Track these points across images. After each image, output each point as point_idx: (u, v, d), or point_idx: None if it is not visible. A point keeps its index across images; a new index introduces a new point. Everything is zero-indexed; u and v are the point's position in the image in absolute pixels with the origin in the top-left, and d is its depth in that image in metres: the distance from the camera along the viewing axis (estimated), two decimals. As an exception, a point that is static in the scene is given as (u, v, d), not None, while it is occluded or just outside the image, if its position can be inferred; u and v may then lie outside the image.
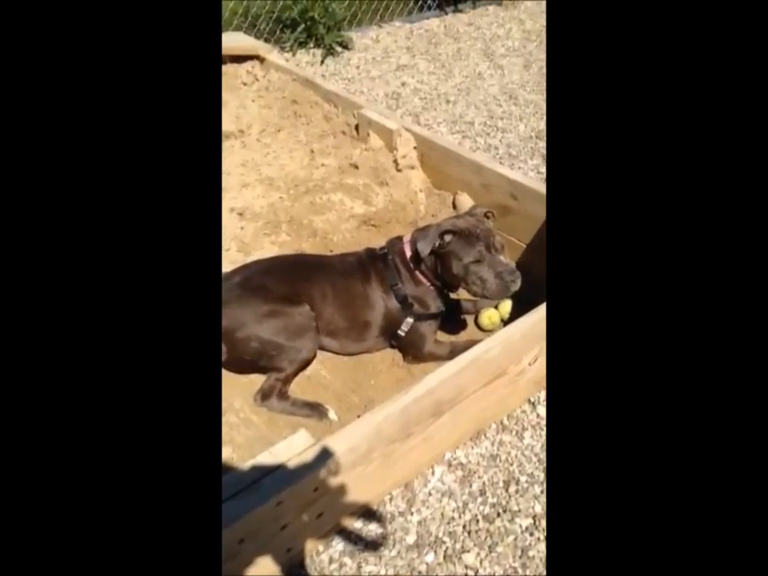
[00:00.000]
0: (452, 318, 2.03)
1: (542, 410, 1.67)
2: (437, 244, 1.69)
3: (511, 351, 1.50)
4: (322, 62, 4.09)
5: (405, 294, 1.79)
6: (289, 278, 1.75)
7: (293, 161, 2.76)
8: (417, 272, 1.79)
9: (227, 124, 3.01)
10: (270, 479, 1.15)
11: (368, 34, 4.57)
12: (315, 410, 1.64)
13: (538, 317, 1.58)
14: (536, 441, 1.59)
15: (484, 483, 1.49)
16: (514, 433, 1.61)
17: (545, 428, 1.62)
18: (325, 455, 1.22)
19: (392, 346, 1.91)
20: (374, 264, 1.82)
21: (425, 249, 1.68)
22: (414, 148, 2.52)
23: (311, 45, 4.22)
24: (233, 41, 3.45)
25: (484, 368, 1.45)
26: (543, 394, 1.71)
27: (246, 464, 1.19)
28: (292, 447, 1.23)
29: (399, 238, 1.86)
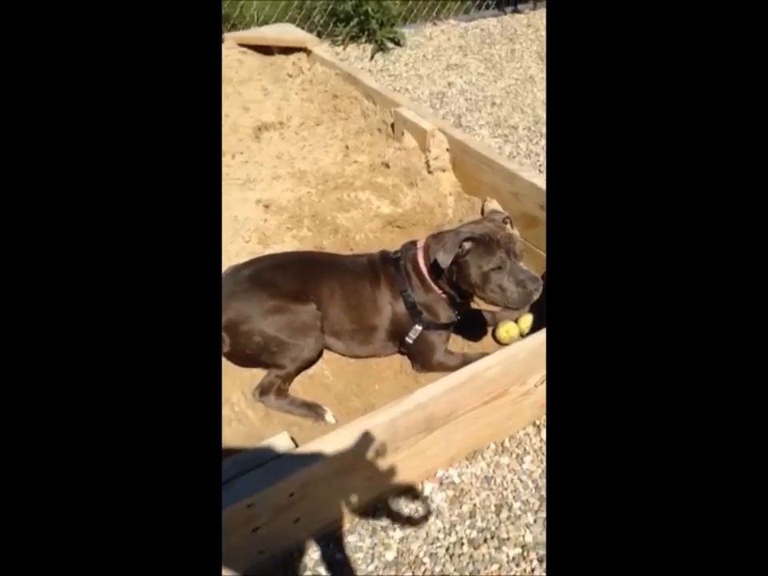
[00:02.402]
0: (469, 328, 1.98)
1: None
2: (456, 252, 1.63)
3: (514, 371, 1.44)
4: (372, 58, 4.06)
5: (414, 300, 1.74)
6: (298, 275, 1.73)
7: (327, 155, 2.75)
8: (429, 280, 1.73)
9: (268, 115, 3.02)
10: (243, 480, 1.13)
11: (422, 32, 4.51)
12: (312, 410, 1.62)
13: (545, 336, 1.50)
14: (536, 466, 1.52)
15: (475, 505, 1.43)
16: (513, 456, 1.54)
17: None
18: (305, 461, 1.19)
19: (401, 353, 1.87)
20: (385, 268, 1.78)
21: (446, 260, 1.60)
22: (447, 150, 2.46)
23: (363, 39, 4.20)
24: (282, 32, 3.47)
25: (482, 386, 1.40)
26: (550, 418, 1.63)
27: (224, 462, 1.17)
28: (272, 449, 1.20)
29: (413, 243, 1.81)
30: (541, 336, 1.48)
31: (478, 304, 1.93)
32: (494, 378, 1.41)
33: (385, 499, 1.42)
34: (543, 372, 1.51)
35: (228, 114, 2.99)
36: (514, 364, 1.43)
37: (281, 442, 1.22)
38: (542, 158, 2.96)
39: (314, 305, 1.69)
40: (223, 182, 2.45)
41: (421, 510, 1.41)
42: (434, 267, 1.69)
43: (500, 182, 2.23)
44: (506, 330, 1.95)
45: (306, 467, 1.17)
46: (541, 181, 2.08)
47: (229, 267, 1.78)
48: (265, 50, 3.45)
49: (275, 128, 2.95)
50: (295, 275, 1.72)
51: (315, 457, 1.19)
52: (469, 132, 3.24)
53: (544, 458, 1.54)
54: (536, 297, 1.60)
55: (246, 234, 2.12)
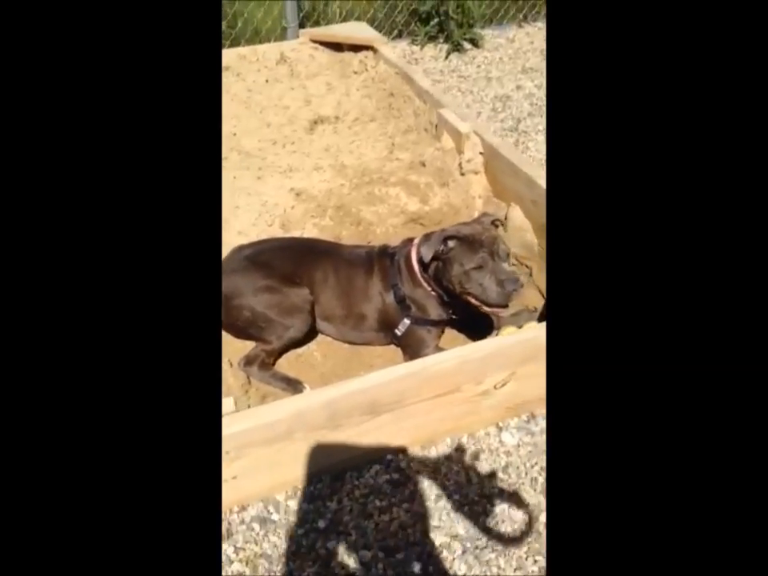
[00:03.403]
0: (472, 330, 2.02)
1: (508, 437, 1.61)
2: (440, 249, 1.70)
3: (466, 370, 1.48)
4: (446, 58, 4.11)
5: (403, 294, 1.82)
6: (295, 259, 1.85)
7: (373, 151, 2.85)
8: (419, 275, 1.80)
9: (327, 109, 3.18)
10: (182, 432, 1.27)
11: (505, 33, 4.48)
12: (292, 385, 1.74)
13: (508, 341, 1.54)
14: (487, 465, 1.55)
15: (415, 492, 1.49)
16: (468, 452, 1.58)
17: (502, 455, 1.58)
18: (241, 424, 1.31)
19: (396, 345, 1.95)
20: (381, 260, 1.87)
21: (427, 253, 1.70)
22: (481, 153, 2.49)
23: (441, 40, 4.25)
24: (354, 30, 3.61)
25: (430, 380, 1.45)
26: (515, 422, 1.65)
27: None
28: (217, 409, 1.34)
29: (411, 240, 1.88)
30: (497, 341, 1.52)
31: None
32: (444, 373, 1.46)
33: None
34: (502, 375, 1.54)
35: (289, 106, 3.18)
36: (467, 363, 1.48)
37: (225, 405, 1.35)
38: (591, 168, 2.90)
39: (306, 289, 1.82)
40: (265, 170, 2.63)
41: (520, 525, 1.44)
42: (422, 263, 1.76)
43: (522, 188, 2.23)
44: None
45: (241, 430, 1.30)
46: (557, 189, 2.07)
47: (234, 247, 1.94)
48: (336, 46, 3.61)
49: (330, 122, 3.09)
50: (292, 259, 1.85)
51: (250, 422, 1.31)
52: (524, 136, 3.23)
53: (497, 458, 1.57)
54: (515, 297, 1.66)
55: (269, 218, 2.27)
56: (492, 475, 1.53)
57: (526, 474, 1.53)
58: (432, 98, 2.86)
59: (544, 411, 1.67)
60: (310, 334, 1.89)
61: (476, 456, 1.57)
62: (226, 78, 3.26)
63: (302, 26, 4.06)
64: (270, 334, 1.77)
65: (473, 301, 1.71)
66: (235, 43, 3.95)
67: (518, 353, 1.51)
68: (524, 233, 2.25)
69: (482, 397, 1.56)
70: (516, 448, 1.59)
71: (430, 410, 1.51)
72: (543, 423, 1.65)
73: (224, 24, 3.92)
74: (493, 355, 1.49)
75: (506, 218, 2.37)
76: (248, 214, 2.28)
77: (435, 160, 2.61)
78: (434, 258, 1.72)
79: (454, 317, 1.91)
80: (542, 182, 2.11)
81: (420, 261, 1.77)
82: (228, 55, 3.39)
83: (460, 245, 1.68)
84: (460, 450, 1.59)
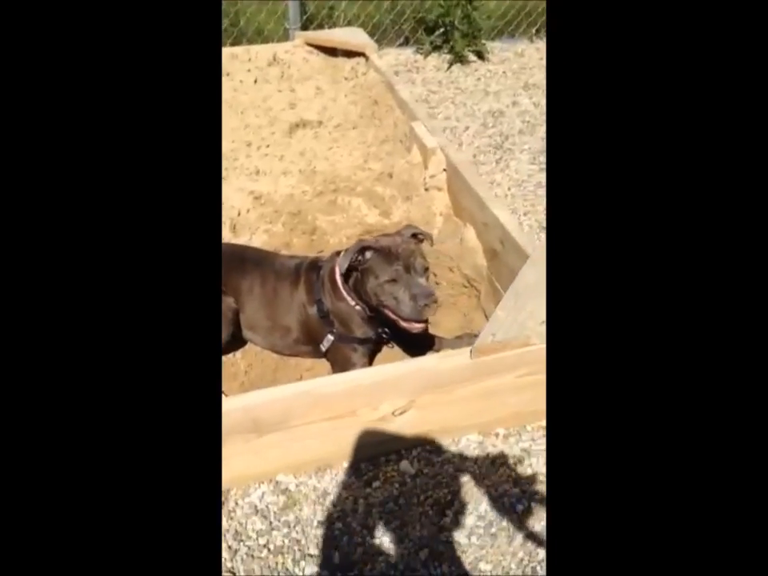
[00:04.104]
0: (413, 349, 1.98)
1: (405, 465, 1.57)
2: (357, 259, 1.67)
3: (359, 394, 1.44)
4: (448, 68, 4.06)
5: (327, 308, 1.79)
6: (224, 267, 1.83)
7: (348, 159, 2.83)
8: (341, 288, 1.77)
9: (311, 113, 3.16)
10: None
11: (515, 47, 4.41)
12: (203, 393, 1.72)
13: (405, 368, 1.50)
14: (379, 493, 1.51)
15: (298, 518, 1.46)
16: (363, 478, 1.54)
17: (395, 483, 1.53)
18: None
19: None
20: (308, 273, 1.84)
21: (343, 263, 1.67)
22: (444, 170, 2.44)
23: (445, 50, 4.20)
24: (349, 35, 3.59)
25: (319, 402, 1.42)
26: (417, 451, 1.60)
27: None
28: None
29: (339, 253, 1.85)
30: (392, 367, 1.49)
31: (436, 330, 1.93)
32: (333, 396, 1.42)
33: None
34: (400, 402, 1.49)
35: (272, 108, 3.17)
36: (361, 387, 1.44)
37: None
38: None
39: (230, 297, 1.80)
40: (231, 171, 2.63)
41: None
42: (343, 275, 1.73)
43: (475, 209, 2.18)
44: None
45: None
46: (504, 215, 2.01)
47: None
48: (332, 51, 3.60)
49: (312, 126, 3.07)
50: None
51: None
52: (508, 154, 3.16)
53: (389, 488, 1.52)
54: (428, 313, 1.61)
55: (223, 219, 2.26)
56: (381, 504, 1.48)
57: (418, 505, 1.49)
58: (411, 111, 2.82)
59: (449, 442, 1.62)
60: (234, 343, 1.87)
61: (369, 483, 1.53)
62: (214, 77, 3.27)
63: (305, 28, 4.06)
64: (187, 340, 1.75)
65: (389, 314, 1.67)
66: (237, 42, 3.97)
67: (416, 381, 1.47)
68: (475, 255, 2.20)
69: (380, 422, 1.51)
70: (413, 478, 1.55)
71: (323, 433, 1.48)
72: (446, 454, 1.60)
73: (226, 21, 3.94)
74: (387, 381, 1.45)
75: (460, 240, 2.32)
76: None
77: (403, 173, 2.58)
78: (353, 269, 1.69)
79: (384, 336, 1.87)
80: (492, 205, 2.06)
81: (341, 272, 1.74)
82: (221, 54, 3.41)
83: (377, 256, 1.65)
84: (354, 475, 1.55)
